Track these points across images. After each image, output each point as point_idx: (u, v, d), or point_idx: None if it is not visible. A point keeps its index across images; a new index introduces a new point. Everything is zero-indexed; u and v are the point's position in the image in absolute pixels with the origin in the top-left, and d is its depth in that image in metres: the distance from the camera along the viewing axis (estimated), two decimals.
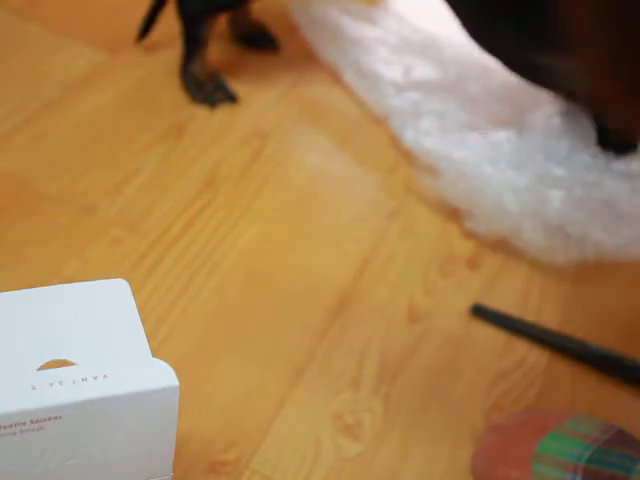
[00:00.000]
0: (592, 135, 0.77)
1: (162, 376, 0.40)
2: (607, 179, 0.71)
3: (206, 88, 0.81)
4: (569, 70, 0.74)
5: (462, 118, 0.79)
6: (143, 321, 0.43)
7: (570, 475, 0.49)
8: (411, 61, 0.86)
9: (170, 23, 0.84)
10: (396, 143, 0.80)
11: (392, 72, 0.84)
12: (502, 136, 0.76)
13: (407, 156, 0.79)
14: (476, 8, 0.76)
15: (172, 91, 0.82)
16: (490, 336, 0.65)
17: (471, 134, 0.76)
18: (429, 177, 0.75)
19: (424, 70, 0.85)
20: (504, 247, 0.72)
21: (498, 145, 0.74)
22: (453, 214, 0.74)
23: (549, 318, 0.67)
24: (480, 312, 0.66)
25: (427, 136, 0.77)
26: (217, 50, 0.86)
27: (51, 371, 0.39)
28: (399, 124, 0.79)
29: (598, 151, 0.75)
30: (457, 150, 0.74)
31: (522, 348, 0.65)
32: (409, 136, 0.78)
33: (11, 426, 0.37)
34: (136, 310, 0.43)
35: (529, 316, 0.67)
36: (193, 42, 0.81)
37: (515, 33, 0.75)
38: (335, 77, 0.88)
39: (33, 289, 0.43)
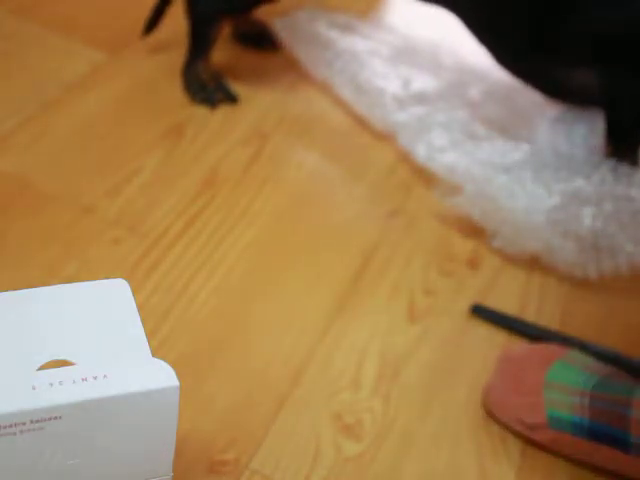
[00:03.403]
0: (597, 138, 0.76)
1: (162, 376, 0.40)
2: (634, 190, 0.70)
3: (207, 88, 0.81)
4: (586, 80, 0.74)
5: (468, 127, 0.77)
6: (143, 321, 0.43)
7: (578, 398, 0.55)
8: (407, 72, 0.84)
9: (170, 24, 0.84)
10: (406, 159, 0.79)
11: (391, 85, 0.82)
12: (514, 146, 0.74)
13: (420, 173, 0.78)
14: (503, 43, 0.77)
15: (172, 91, 0.82)
16: (490, 336, 0.65)
17: (482, 146, 0.75)
18: (447, 194, 0.73)
19: (422, 80, 0.84)
20: (533, 263, 0.71)
21: (512, 156, 0.73)
22: (456, 221, 0.74)
23: (549, 318, 0.67)
24: (480, 312, 0.66)
25: (441, 152, 0.75)
26: (217, 50, 0.85)
27: (51, 371, 0.39)
28: (408, 140, 0.78)
29: (611, 152, 0.75)
30: (474, 166, 0.72)
31: None
32: (421, 153, 0.76)
33: (11, 426, 0.37)
34: (136, 310, 0.43)
35: (529, 316, 0.67)
36: (200, 42, 0.80)
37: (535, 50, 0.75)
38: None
39: (33, 289, 0.43)
